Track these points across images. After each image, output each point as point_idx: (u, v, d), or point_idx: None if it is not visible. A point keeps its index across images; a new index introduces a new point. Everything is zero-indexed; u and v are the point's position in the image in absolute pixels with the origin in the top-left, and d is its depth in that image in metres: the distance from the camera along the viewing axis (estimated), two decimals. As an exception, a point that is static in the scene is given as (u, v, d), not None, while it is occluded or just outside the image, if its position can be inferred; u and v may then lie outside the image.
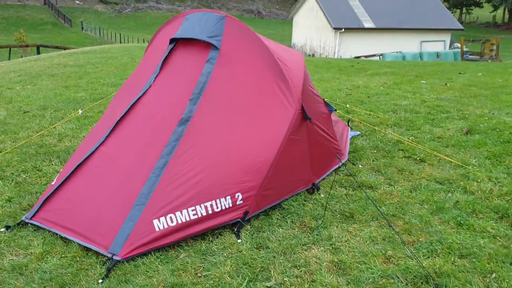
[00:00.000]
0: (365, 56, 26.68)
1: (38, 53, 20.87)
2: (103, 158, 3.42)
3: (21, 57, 21.58)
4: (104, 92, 7.67)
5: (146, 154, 3.26)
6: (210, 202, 3.08)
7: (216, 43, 3.56)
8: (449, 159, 4.36)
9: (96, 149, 3.47)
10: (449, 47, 29.65)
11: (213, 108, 3.39)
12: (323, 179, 4.01)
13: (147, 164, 3.19)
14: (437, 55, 26.33)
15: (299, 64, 3.93)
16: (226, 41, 3.59)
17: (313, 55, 30.61)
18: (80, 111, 5.19)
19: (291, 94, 3.55)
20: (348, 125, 5.46)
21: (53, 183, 3.47)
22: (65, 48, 21.60)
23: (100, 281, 2.64)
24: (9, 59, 19.51)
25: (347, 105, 6.55)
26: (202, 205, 3.06)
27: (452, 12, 61.67)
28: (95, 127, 3.90)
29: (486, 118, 5.82)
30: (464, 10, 65.94)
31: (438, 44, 29.28)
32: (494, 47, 22.52)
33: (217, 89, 3.45)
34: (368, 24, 28.64)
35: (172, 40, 3.72)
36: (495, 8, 60.67)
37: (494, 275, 2.64)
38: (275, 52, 3.65)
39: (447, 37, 29.88)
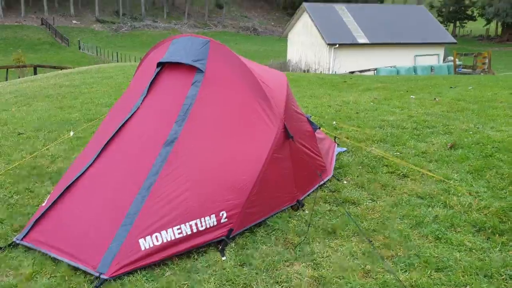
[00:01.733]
0: (360, 71, 26.97)
1: (35, 73, 21.10)
2: (92, 179, 3.53)
3: (19, 77, 21.78)
4: (97, 112, 7.80)
5: (133, 175, 3.37)
6: (195, 221, 3.18)
7: (201, 67, 3.70)
8: (432, 174, 4.48)
9: (86, 170, 3.58)
10: (443, 61, 29.97)
11: (198, 129, 3.51)
12: (308, 195, 4.11)
13: (134, 184, 3.30)
14: (431, 68, 26.62)
15: (281, 85, 4.07)
16: (211, 64, 3.73)
17: (308, 70, 30.90)
18: (71, 133, 5.31)
19: (273, 114, 3.68)
20: (335, 141, 5.58)
21: (43, 204, 3.57)
22: (62, 68, 21.84)
23: (87, 299, 2.72)
24: (7, 79, 19.71)
25: (334, 122, 6.69)
26: (187, 223, 3.16)
27: (446, 26, 62.55)
28: (86, 149, 4.02)
29: (471, 132, 5.95)
30: (457, 23, 66.78)
31: (432, 58, 29.59)
32: (486, 60, 22.82)
33: (202, 111, 3.58)
34: (362, 39, 28.99)
35: (159, 64, 3.86)
36: (488, 21, 61.49)
37: (468, 287, 2.74)
38: (257, 74, 3.78)
39: (440, 51, 30.22)
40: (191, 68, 3.74)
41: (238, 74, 3.76)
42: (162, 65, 3.87)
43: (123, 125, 3.69)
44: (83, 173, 3.57)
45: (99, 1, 71.45)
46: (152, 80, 3.81)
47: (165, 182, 3.26)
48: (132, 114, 3.69)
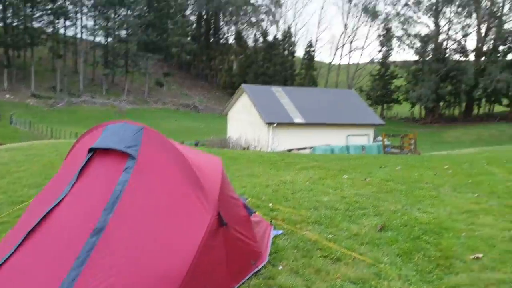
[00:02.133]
0: (297, 149, 27.91)
1: (-41, 149, 19.86)
2: (13, 271, 3.27)
3: None
4: (25, 194, 7.40)
5: (57, 267, 3.16)
6: (121, 317, 2.99)
7: (133, 153, 3.68)
8: (363, 257, 4.57)
9: (6, 260, 3.33)
10: (373, 140, 31.81)
11: (128, 217, 3.41)
12: (243, 283, 4.02)
13: (57, 277, 3.09)
14: (362, 148, 28.12)
15: (216, 170, 4.11)
16: (143, 150, 3.73)
17: (248, 148, 31.51)
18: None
19: (207, 200, 3.67)
20: (271, 224, 5.60)
21: (-49, 302, 3.23)
22: (-10, 144, 20.79)
23: None
24: None
25: (271, 204, 6.76)
26: (113, 320, 2.96)
27: (375, 108, 67.18)
28: (7, 236, 3.77)
29: (399, 214, 6.22)
30: (385, 106, 71.91)
31: (363, 138, 31.33)
32: (412, 141, 24.48)
33: (133, 198, 3.51)
34: (298, 119, 30.32)
35: (91, 150, 3.81)
36: (413, 105, 66.84)
37: None
38: (191, 160, 3.81)
39: (370, 131, 32.14)
40: (123, 155, 3.71)
41: (172, 161, 3.77)
42: (93, 151, 3.81)
43: (48, 213, 3.52)
44: (2, 264, 3.31)
45: (35, 76, 70.45)
46: (82, 167, 3.72)
47: (91, 274, 3.08)
48: (59, 202, 3.55)
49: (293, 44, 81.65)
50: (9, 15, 70.17)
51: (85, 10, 79.10)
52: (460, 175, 10.08)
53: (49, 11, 74.77)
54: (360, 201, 6.96)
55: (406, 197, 7.41)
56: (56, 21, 76.06)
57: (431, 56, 65.99)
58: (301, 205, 6.84)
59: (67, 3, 76.79)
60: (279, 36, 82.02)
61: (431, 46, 67.28)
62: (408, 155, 20.49)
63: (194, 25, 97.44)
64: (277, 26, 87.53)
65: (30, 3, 71.62)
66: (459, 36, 68.72)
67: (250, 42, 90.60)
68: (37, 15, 74.36)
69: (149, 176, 3.64)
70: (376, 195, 7.52)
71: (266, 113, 30.04)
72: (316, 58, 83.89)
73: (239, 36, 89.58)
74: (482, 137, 48.98)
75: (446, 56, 66.36)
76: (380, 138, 30.19)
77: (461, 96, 65.86)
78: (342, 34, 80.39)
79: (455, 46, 68.57)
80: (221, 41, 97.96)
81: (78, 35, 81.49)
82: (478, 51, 65.39)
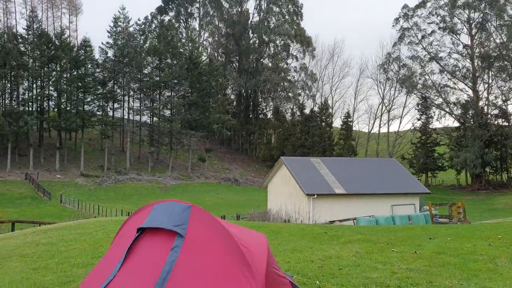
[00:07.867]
0: (340, 221, 27.27)
1: (13, 229, 20.68)
2: None
3: (-5, 234, 21.26)
4: (73, 274, 7.51)
5: None
6: None
7: (181, 231, 3.75)
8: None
9: None
10: (420, 210, 30.71)
11: (176, 298, 3.41)
12: None
13: None
14: (409, 218, 27.13)
15: (262, 247, 4.10)
16: (191, 229, 3.79)
17: (288, 220, 31.14)
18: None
19: (253, 278, 3.63)
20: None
21: None
22: (40, 223, 21.54)
23: None
24: (-19, 236, 19.16)
25: (317, 281, 6.55)
26: None
27: (419, 177, 65.46)
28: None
29: (455, 289, 5.87)
30: (429, 174, 70.02)
31: (408, 208, 30.36)
32: (461, 210, 23.49)
33: (181, 277, 3.52)
34: (339, 190, 29.95)
35: (139, 229, 3.91)
36: (458, 172, 64.82)
37: None
38: (238, 238, 3.83)
39: (416, 201, 31.18)
40: (171, 233, 3.78)
41: (219, 239, 3.80)
42: (142, 231, 3.91)
43: (98, 294, 3.57)
44: None
45: (84, 156, 73.78)
46: (130, 246, 3.80)
47: None
48: (108, 283, 3.60)
49: (330, 116, 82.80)
50: (63, 100, 75.23)
51: (131, 93, 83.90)
52: (517, 246, 9.51)
53: (99, 96, 79.89)
54: (412, 277, 6.64)
55: (461, 270, 7.01)
56: (105, 104, 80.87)
57: (472, 122, 64.84)
58: (349, 282, 6.59)
59: (116, 87, 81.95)
60: (316, 109, 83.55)
61: (471, 112, 66.33)
62: (458, 225, 19.60)
63: (234, 103, 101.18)
64: (314, 100, 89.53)
65: (82, 89, 76.92)
66: (499, 101, 67.60)
67: (288, 116, 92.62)
68: (88, 99, 79.49)
69: (196, 254, 3.67)
70: (428, 269, 7.16)
71: (306, 185, 29.90)
72: (354, 128, 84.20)
73: (277, 111, 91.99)
74: (536, 203, 46.40)
75: (488, 121, 65.06)
76: (426, 207, 29.15)
77: (508, 161, 63.52)
78: (379, 104, 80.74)
79: (496, 111, 67.33)
80: (260, 116, 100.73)
81: (125, 116, 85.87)
82: (521, 115, 63.88)
